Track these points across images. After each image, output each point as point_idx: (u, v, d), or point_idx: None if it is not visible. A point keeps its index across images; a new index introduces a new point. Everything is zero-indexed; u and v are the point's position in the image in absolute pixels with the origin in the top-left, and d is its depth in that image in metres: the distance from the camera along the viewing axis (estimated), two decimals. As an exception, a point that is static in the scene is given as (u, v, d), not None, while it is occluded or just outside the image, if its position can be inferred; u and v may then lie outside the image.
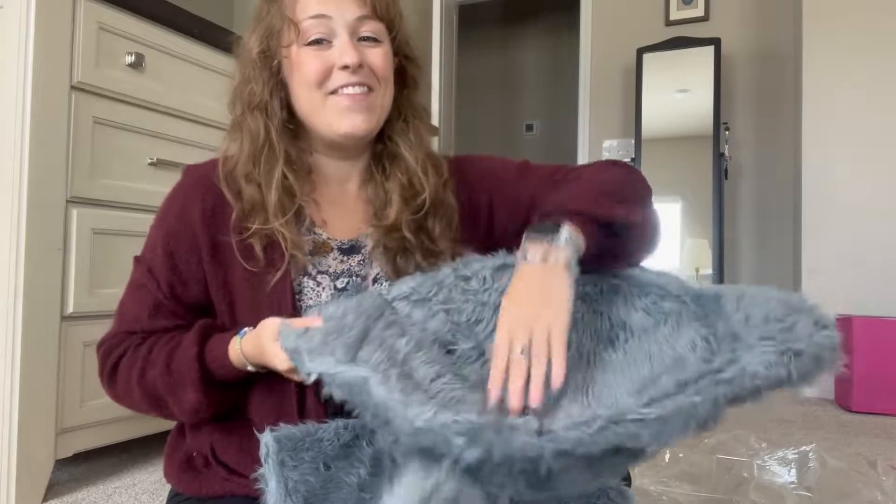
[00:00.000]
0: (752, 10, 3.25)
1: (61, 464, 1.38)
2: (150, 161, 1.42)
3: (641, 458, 0.56)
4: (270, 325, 0.67)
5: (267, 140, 0.77)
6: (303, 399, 0.73)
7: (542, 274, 0.63)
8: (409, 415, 0.50)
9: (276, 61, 0.78)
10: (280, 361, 0.64)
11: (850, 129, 2.49)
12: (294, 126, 0.80)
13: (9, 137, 1.17)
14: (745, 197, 3.25)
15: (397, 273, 0.79)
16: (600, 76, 3.57)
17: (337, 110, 0.75)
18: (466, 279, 0.71)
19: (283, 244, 0.74)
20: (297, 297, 0.76)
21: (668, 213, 3.24)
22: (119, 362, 0.77)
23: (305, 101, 0.77)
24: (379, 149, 0.84)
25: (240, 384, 0.74)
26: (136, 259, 0.80)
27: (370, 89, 0.76)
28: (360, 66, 0.74)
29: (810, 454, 1.27)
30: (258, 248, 0.74)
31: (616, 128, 3.54)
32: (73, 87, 1.25)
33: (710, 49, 3.12)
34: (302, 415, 0.72)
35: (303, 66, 0.75)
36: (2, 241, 1.17)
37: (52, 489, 1.27)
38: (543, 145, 4.84)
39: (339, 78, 0.74)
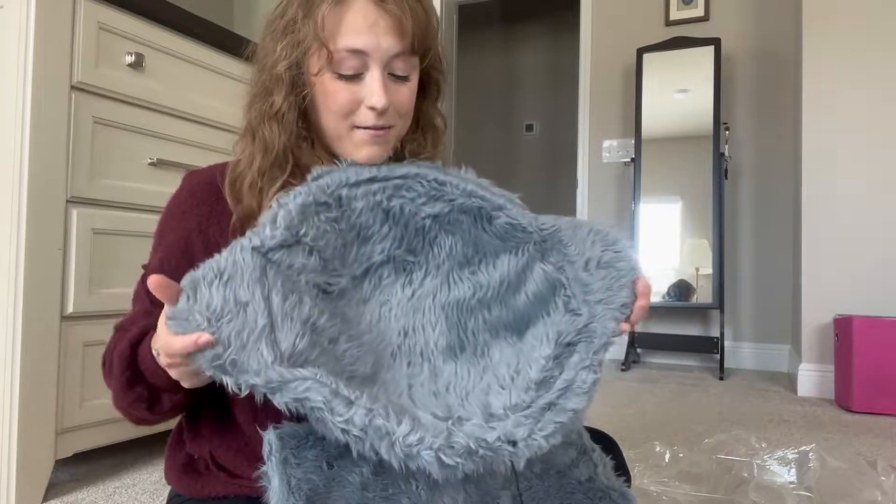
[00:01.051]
0: (752, 10, 3.25)
1: (61, 464, 1.38)
2: (150, 161, 1.42)
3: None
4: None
5: (279, 151, 0.76)
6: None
7: None
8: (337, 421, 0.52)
9: (302, 76, 0.77)
10: (167, 349, 0.58)
11: (850, 129, 2.49)
12: (308, 133, 0.79)
13: (9, 137, 1.17)
14: (745, 197, 3.26)
15: None
16: (600, 76, 3.57)
17: (356, 142, 0.75)
18: (326, 206, 0.69)
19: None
20: None
21: (668, 213, 3.24)
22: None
23: (331, 126, 0.76)
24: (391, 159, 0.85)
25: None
26: (143, 266, 0.80)
27: (390, 127, 0.76)
28: (387, 109, 0.74)
29: (810, 454, 1.27)
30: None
31: (616, 128, 3.54)
32: (73, 87, 1.25)
33: (710, 49, 3.12)
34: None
35: (331, 95, 0.74)
36: (2, 241, 1.17)
37: (52, 489, 1.27)
38: (543, 145, 4.84)
39: (365, 117, 0.74)
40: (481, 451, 0.53)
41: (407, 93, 0.76)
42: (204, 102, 1.54)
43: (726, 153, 3.07)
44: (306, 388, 0.53)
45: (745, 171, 3.25)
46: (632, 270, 0.67)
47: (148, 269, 0.78)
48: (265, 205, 0.74)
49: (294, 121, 0.77)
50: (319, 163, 0.79)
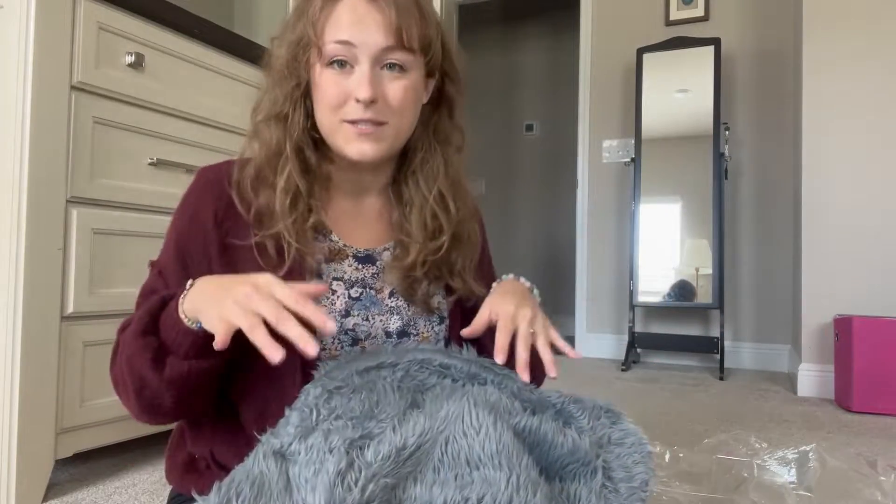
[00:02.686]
0: (752, 10, 3.25)
1: (61, 464, 1.38)
2: (150, 161, 1.42)
3: None
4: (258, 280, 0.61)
5: (281, 149, 0.77)
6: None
7: (521, 286, 0.87)
8: None
9: (301, 73, 0.78)
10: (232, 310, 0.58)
11: (850, 130, 2.49)
12: (317, 134, 0.80)
13: (9, 137, 1.17)
14: (745, 197, 3.26)
15: (412, 295, 0.82)
16: (600, 76, 3.57)
17: (346, 137, 0.76)
18: (338, 389, 0.69)
19: (285, 248, 0.74)
20: None
21: (668, 213, 3.24)
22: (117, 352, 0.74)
23: (325, 121, 0.77)
24: (404, 172, 0.85)
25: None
26: (151, 263, 0.79)
27: (381, 123, 0.75)
28: (373, 102, 0.74)
29: (810, 454, 1.27)
30: (272, 251, 0.74)
31: (616, 128, 3.54)
32: (73, 87, 1.25)
33: (710, 49, 3.12)
34: None
35: (322, 88, 0.75)
36: (2, 241, 1.17)
37: (52, 489, 1.27)
38: (543, 145, 4.84)
39: (353, 110, 0.74)
40: None
41: (400, 88, 0.76)
42: (204, 102, 1.54)
43: (726, 153, 3.07)
44: None
45: (745, 171, 3.25)
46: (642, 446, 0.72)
47: (158, 265, 0.78)
48: (276, 200, 0.75)
49: (298, 121, 0.78)
50: (329, 164, 0.80)
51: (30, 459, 1.17)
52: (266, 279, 0.61)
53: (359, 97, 0.73)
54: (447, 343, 0.88)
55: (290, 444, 0.60)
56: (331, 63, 0.74)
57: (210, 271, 0.75)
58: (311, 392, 0.68)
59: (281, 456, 0.60)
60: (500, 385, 0.74)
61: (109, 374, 0.75)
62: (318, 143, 0.80)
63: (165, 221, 1.42)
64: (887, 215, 2.42)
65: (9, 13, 1.18)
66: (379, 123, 0.75)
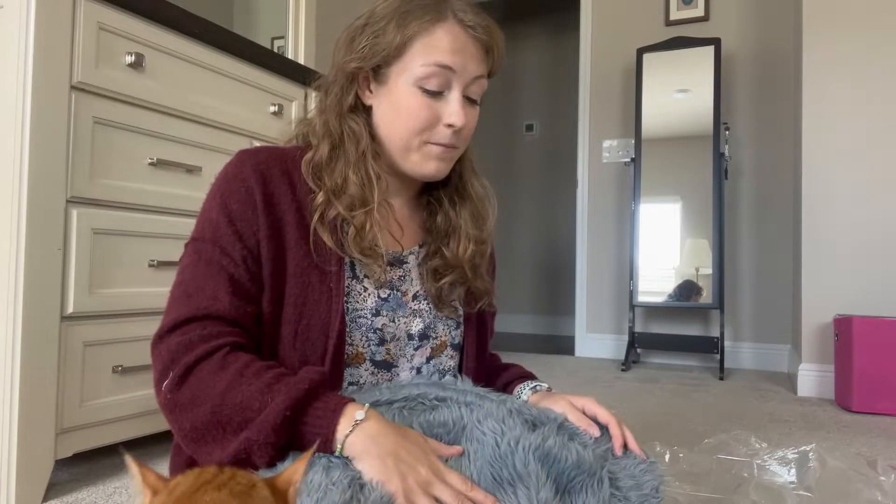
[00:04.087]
0: (752, 10, 3.25)
1: (61, 464, 1.38)
2: (150, 161, 1.42)
3: None
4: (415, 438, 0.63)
5: (368, 145, 0.80)
6: None
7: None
8: None
9: (371, 82, 0.80)
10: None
11: (850, 129, 2.49)
12: (373, 144, 0.82)
13: (9, 137, 1.17)
14: (745, 197, 3.26)
15: (440, 298, 0.85)
16: (600, 76, 3.57)
17: (426, 156, 0.79)
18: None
19: (359, 232, 0.76)
20: (344, 299, 0.78)
21: (668, 213, 3.24)
22: (199, 364, 0.67)
23: (401, 138, 0.79)
24: (447, 179, 0.88)
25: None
26: (194, 240, 0.76)
27: (458, 147, 0.81)
28: (462, 129, 0.78)
29: (810, 454, 1.27)
30: (326, 237, 0.75)
31: (616, 128, 3.54)
32: (73, 87, 1.24)
33: (710, 49, 3.12)
34: None
35: (410, 109, 0.77)
36: (2, 241, 1.17)
37: (52, 489, 1.27)
38: (543, 145, 4.84)
39: (441, 135, 0.77)
40: None
41: (475, 117, 0.82)
42: (204, 102, 1.54)
43: (726, 153, 3.07)
44: None
45: (745, 171, 3.25)
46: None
47: (210, 239, 0.74)
48: (362, 188, 0.77)
49: (365, 121, 0.81)
50: (375, 177, 0.80)
51: (30, 459, 1.17)
52: (433, 462, 0.61)
53: (454, 124, 0.76)
54: (461, 347, 0.90)
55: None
56: (422, 84, 0.76)
57: (258, 249, 0.74)
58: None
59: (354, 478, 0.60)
60: (498, 406, 0.74)
61: (164, 396, 0.67)
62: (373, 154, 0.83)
63: (166, 221, 1.43)
64: (887, 215, 2.42)
65: (9, 13, 1.18)
66: (456, 148, 0.80)
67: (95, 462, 1.45)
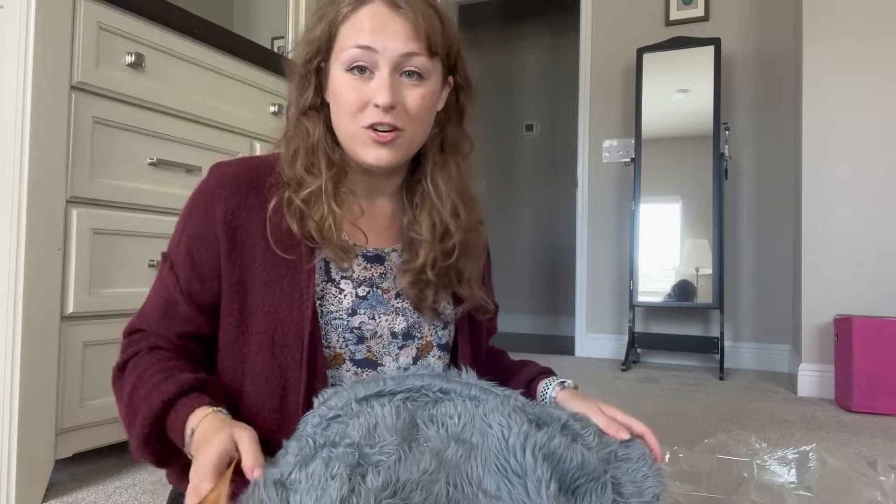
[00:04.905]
0: (752, 10, 3.25)
1: (61, 464, 1.38)
2: (150, 161, 1.42)
3: None
4: (240, 434, 0.63)
5: (321, 137, 0.80)
6: None
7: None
8: None
9: (319, 75, 0.80)
10: (201, 470, 0.59)
11: (850, 129, 2.49)
12: (335, 138, 0.82)
13: (9, 137, 1.17)
14: (745, 197, 3.26)
15: (421, 301, 0.83)
16: (600, 76, 3.57)
17: (364, 142, 0.77)
18: (337, 418, 0.70)
19: (312, 217, 0.76)
20: (318, 302, 0.78)
21: (668, 213, 3.24)
22: (130, 360, 0.78)
23: (342, 125, 0.78)
24: (416, 177, 0.86)
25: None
26: (163, 255, 0.82)
27: (398, 129, 0.76)
28: (392, 107, 0.75)
29: (810, 454, 1.27)
30: (295, 227, 0.76)
31: (616, 128, 3.54)
32: (73, 87, 1.25)
33: (710, 49, 3.12)
34: None
35: (341, 93, 0.77)
36: (2, 241, 1.17)
37: (52, 489, 1.27)
38: (543, 145, 4.84)
39: (371, 115, 0.75)
40: None
41: (419, 94, 0.77)
42: (204, 102, 1.54)
43: (726, 153, 3.07)
44: None
45: (745, 171, 3.25)
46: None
47: (170, 258, 0.80)
48: (319, 182, 0.77)
49: (325, 118, 0.81)
50: (345, 163, 0.81)
51: (30, 459, 1.17)
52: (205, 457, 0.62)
53: (378, 102, 0.74)
54: (450, 348, 0.89)
55: (291, 473, 0.60)
56: (350, 68, 0.75)
57: (217, 266, 0.77)
58: (309, 421, 0.69)
59: (282, 485, 0.60)
60: (503, 402, 0.74)
61: (113, 384, 0.79)
62: (336, 143, 0.82)
63: (166, 221, 1.43)
64: (888, 216, 2.42)
65: (9, 13, 1.18)
66: (396, 129, 0.76)
67: (95, 462, 1.45)
